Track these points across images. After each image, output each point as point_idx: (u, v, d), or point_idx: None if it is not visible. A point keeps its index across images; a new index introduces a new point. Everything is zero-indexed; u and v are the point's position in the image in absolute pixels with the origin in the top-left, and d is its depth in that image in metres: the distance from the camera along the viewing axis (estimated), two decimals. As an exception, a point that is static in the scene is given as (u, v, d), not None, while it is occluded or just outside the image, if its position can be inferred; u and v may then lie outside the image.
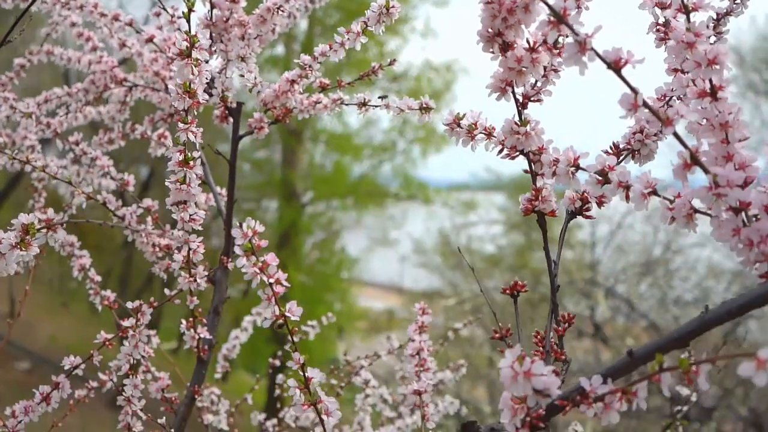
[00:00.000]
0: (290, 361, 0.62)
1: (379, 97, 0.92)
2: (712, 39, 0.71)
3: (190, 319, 0.94)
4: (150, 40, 1.03)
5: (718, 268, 7.32)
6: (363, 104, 0.92)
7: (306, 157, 11.54)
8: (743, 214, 0.50)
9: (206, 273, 0.89)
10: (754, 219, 0.51)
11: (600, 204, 0.65)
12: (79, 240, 1.09)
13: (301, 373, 0.63)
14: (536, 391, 0.50)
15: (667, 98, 0.67)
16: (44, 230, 0.64)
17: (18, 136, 1.24)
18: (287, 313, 0.61)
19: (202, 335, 0.95)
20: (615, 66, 0.50)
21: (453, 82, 10.24)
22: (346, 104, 0.95)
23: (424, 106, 0.81)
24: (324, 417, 0.63)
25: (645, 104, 0.50)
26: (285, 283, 0.61)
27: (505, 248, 10.04)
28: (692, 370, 0.44)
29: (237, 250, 0.60)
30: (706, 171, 0.50)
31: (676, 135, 0.50)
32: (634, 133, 0.66)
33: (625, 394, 0.49)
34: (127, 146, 1.27)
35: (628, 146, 0.66)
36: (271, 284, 0.61)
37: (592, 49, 0.49)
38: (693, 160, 0.50)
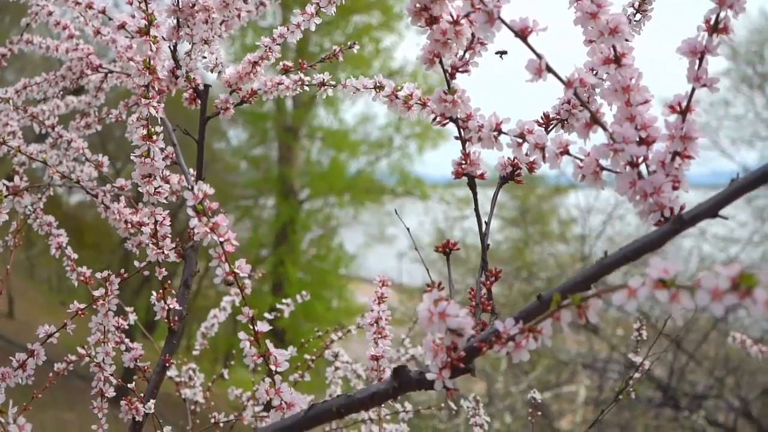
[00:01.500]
0: (240, 315, 0.67)
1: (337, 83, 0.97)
2: (638, 17, 0.76)
3: (161, 290, 0.99)
4: (122, 26, 1.08)
5: (709, 259, 7.39)
6: (322, 84, 0.97)
7: (303, 154, 11.58)
8: (639, 168, 0.55)
9: (173, 245, 0.94)
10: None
11: (531, 170, 0.70)
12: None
13: (251, 327, 0.68)
14: (451, 331, 0.54)
15: (594, 70, 0.72)
16: (10, 196, 0.69)
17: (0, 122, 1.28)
18: (236, 270, 0.66)
19: (172, 306, 0.99)
20: (522, 34, 0.55)
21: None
22: (307, 85, 0.99)
23: (378, 84, 0.86)
24: (273, 367, 0.68)
25: (548, 68, 0.54)
26: (234, 242, 0.66)
27: (501, 243, 10.09)
28: (583, 305, 0.49)
29: (189, 211, 0.65)
30: (605, 129, 0.55)
31: (576, 95, 0.55)
32: (563, 104, 0.71)
33: (532, 332, 0.54)
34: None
35: (558, 116, 0.71)
36: (221, 243, 0.65)
37: (500, 18, 0.54)
38: (593, 119, 0.55)
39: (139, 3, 0.89)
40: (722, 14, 0.55)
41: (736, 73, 9.14)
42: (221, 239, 0.66)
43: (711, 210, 0.51)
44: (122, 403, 0.99)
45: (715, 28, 0.55)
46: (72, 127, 1.21)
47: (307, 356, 1.32)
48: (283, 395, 0.67)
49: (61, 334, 0.97)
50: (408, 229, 0.95)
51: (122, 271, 0.94)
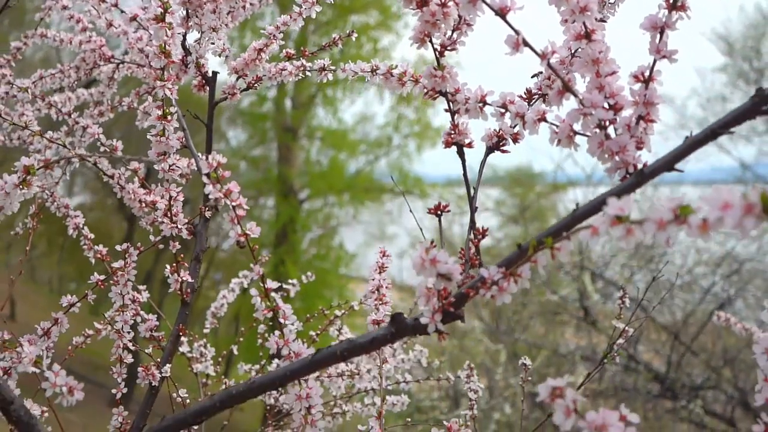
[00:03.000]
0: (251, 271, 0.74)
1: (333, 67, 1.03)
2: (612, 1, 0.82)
3: (174, 264, 1.06)
4: (134, 18, 1.15)
5: (706, 254, 7.46)
6: (323, 69, 1.04)
7: (302, 154, 11.65)
8: (607, 131, 0.62)
9: (186, 220, 1.01)
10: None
11: (515, 140, 0.77)
12: (77, 239, 1.20)
13: (261, 284, 0.75)
14: (441, 276, 0.61)
15: (568, 46, 0.78)
16: (42, 169, 0.76)
17: (16, 113, 1.35)
18: (248, 231, 0.73)
19: (184, 279, 1.06)
20: (501, 12, 0.62)
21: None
22: (309, 70, 1.06)
23: (374, 68, 0.93)
24: (282, 321, 0.75)
25: (525, 43, 0.61)
26: (245, 207, 0.73)
27: (501, 240, 10.16)
28: (556, 247, 0.56)
29: (204, 179, 0.72)
30: (575, 96, 0.62)
31: (549, 66, 0.62)
32: (544, 80, 0.78)
33: (513, 276, 0.61)
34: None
35: (539, 91, 0.78)
36: (234, 207, 0.72)
37: (483, 0, 0.61)
38: (565, 87, 0.62)
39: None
40: (679, -7, 0.62)
41: (732, 69, 9.21)
42: (234, 204, 0.73)
43: (668, 164, 0.58)
44: (139, 369, 1.05)
45: (674, 5, 0.62)
46: (86, 115, 1.28)
47: (312, 332, 1.39)
48: (291, 346, 0.74)
49: (61, 335, 1.05)
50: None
51: (138, 244, 1.01)
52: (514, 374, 5.52)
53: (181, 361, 1.39)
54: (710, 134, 0.56)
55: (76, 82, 1.27)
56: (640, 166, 0.61)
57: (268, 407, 1.45)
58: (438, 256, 0.60)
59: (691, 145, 0.57)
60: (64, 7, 1.28)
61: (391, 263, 1.03)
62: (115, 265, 0.98)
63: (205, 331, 1.51)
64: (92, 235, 1.20)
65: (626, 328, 1.17)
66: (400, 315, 0.68)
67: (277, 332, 0.75)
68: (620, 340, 1.16)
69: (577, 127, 0.65)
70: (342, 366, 1.14)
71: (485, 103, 0.71)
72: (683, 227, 0.43)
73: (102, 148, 1.19)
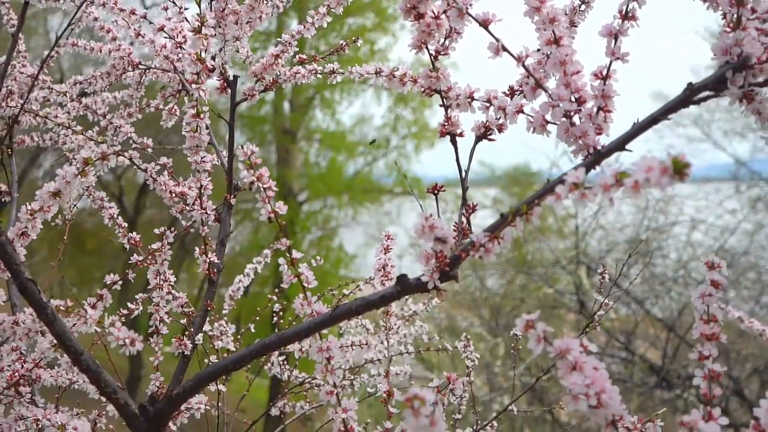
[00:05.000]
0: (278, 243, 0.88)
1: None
2: (582, 7, 0.96)
3: (203, 247, 1.20)
4: (161, 29, 1.29)
5: (700, 249, 7.61)
6: (332, 72, 1.18)
7: (301, 156, 11.78)
8: (572, 119, 0.76)
9: (214, 207, 1.15)
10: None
11: (500, 130, 0.91)
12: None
13: (288, 254, 0.89)
14: (437, 239, 0.75)
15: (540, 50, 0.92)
16: (99, 161, 0.89)
17: (51, 115, 1.49)
18: (276, 209, 0.87)
19: (212, 259, 1.20)
20: (484, 24, 0.76)
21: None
22: (320, 73, 1.20)
23: (378, 70, 1.07)
24: (305, 285, 0.89)
25: (504, 48, 0.75)
26: (274, 188, 0.87)
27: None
28: (528, 213, 0.70)
29: (240, 165, 0.85)
30: (545, 91, 0.76)
31: (524, 67, 0.76)
32: (522, 78, 0.92)
33: (496, 238, 0.75)
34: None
35: (520, 88, 0.92)
36: (265, 188, 0.86)
37: (468, 13, 0.75)
38: (537, 84, 0.76)
39: (181, 11, 1.10)
40: (630, 5, 0.76)
41: (725, 66, 9.30)
42: (265, 186, 0.86)
43: (619, 145, 0.72)
44: (173, 340, 1.19)
45: (626, 16, 0.76)
46: (117, 116, 1.42)
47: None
48: (314, 306, 0.88)
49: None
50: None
51: (172, 228, 1.14)
52: (513, 367, 5.65)
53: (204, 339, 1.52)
54: (651, 120, 0.70)
55: (106, 88, 1.41)
56: (599, 147, 0.75)
57: (282, 382, 1.59)
58: (435, 223, 0.74)
59: (637, 129, 0.71)
60: (96, 19, 1.42)
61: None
62: (154, 246, 1.11)
63: (224, 312, 1.65)
64: (125, 224, 1.34)
65: (605, 301, 1.30)
66: (405, 276, 0.81)
67: (300, 295, 0.89)
68: (600, 312, 1.29)
69: (548, 117, 0.79)
70: (352, 338, 1.27)
71: (473, 99, 0.85)
72: (622, 188, 0.57)
73: (134, 146, 1.33)
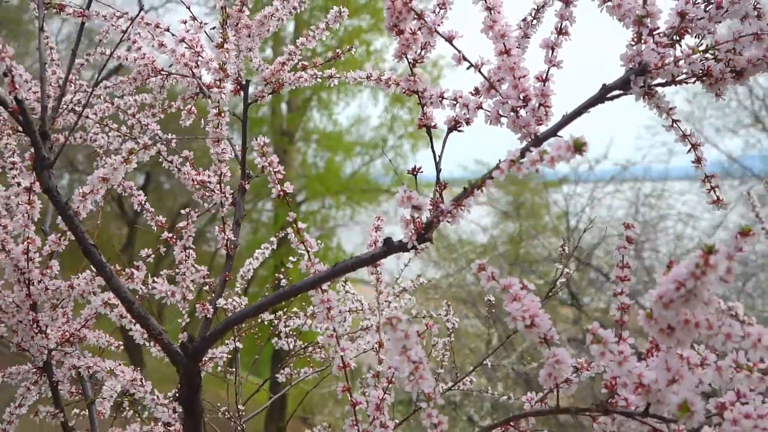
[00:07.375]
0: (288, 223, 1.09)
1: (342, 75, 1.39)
2: (534, 22, 1.18)
3: (221, 226, 1.41)
4: (182, 40, 1.50)
5: (690, 243, 7.84)
6: (331, 77, 1.39)
7: (298, 157, 11.99)
8: (519, 113, 0.97)
9: (232, 191, 1.36)
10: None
11: (467, 123, 1.12)
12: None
13: (295, 225, 1.10)
14: (414, 207, 0.96)
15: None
16: (141, 150, 1.10)
17: (84, 116, 1.70)
18: (285, 189, 1.08)
19: (229, 237, 1.41)
20: (449, 39, 0.97)
21: (439, 77, 10.76)
22: (319, 78, 1.42)
23: (369, 75, 1.28)
24: (308, 249, 1.10)
25: (464, 58, 0.97)
26: (282, 172, 1.08)
27: (497, 237, 10.50)
28: (484, 185, 0.90)
29: (255, 153, 1.07)
30: (497, 91, 0.97)
31: (480, 73, 0.97)
32: (482, 82, 1.13)
33: (459, 207, 0.96)
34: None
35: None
36: (275, 172, 1.07)
37: (436, 31, 0.96)
38: (491, 86, 0.97)
39: (201, 25, 1.32)
40: (563, 23, 0.97)
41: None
42: (275, 170, 1.08)
43: (553, 132, 0.93)
44: (197, 305, 1.40)
45: (560, 32, 0.97)
46: (143, 116, 1.63)
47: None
48: (316, 266, 1.09)
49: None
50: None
51: (196, 210, 1.35)
52: (505, 355, 5.87)
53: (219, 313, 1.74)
54: (575, 113, 0.91)
55: (134, 90, 1.62)
56: (539, 134, 0.96)
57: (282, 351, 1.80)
58: (412, 194, 0.95)
59: (562, 122, 0.92)
60: (123, 32, 1.63)
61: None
62: (180, 224, 1.32)
63: (236, 290, 1.86)
64: (152, 209, 1.55)
65: (565, 268, 1.51)
66: (390, 238, 1.03)
67: (305, 256, 1.10)
68: (562, 279, 1.50)
69: (501, 111, 1.00)
70: (349, 304, 1.49)
71: (443, 98, 1.06)
72: (542, 164, 0.78)
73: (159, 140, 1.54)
